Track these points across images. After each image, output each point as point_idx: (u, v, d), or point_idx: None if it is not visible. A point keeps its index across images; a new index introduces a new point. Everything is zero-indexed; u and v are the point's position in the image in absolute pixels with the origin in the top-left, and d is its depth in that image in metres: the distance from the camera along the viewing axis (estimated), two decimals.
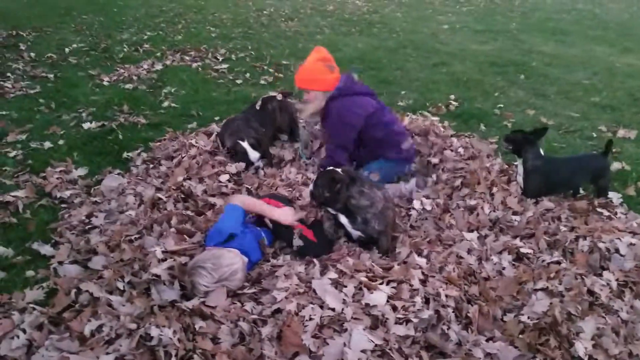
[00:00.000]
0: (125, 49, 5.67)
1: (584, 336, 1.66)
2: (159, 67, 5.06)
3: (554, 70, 5.40)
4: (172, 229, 2.18)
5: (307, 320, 1.63)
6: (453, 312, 1.75)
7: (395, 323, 1.66)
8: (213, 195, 2.55)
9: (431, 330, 1.68)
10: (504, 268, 2.04)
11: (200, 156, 2.86)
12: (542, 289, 1.88)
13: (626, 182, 2.89)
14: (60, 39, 5.96)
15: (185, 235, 2.15)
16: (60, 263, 2.07)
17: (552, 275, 1.94)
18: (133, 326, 1.64)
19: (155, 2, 8.52)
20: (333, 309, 1.67)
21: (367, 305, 1.70)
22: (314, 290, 1.75)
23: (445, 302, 1.76)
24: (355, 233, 2.14)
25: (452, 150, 2.96)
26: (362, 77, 4.98)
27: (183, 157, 2.87)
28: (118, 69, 4.97)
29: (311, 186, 2.16)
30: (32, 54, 5.22)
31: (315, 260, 1.96)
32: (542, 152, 2.52)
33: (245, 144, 2.89)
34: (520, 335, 1.69)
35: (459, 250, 2.12)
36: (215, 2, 9.06)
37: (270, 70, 5.19)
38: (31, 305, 1.80)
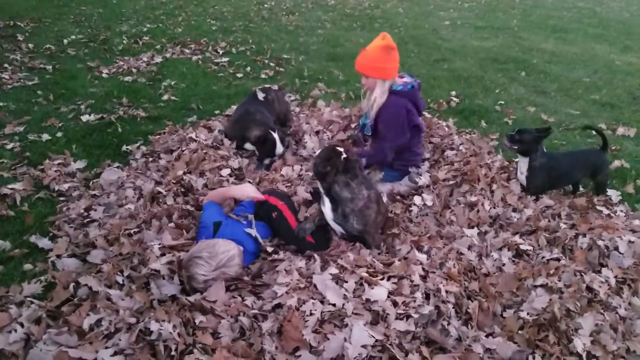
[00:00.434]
0: (124, 41, 5.62)
1: (582, 332, 1.67)
2: (158, 59, 5.03)
3: (554, 67, 5.39)
4: (172, 224, 2.16)
5: (307, 315, 1.63)
6: (453, 307, 1.75)
7: (396, 318, 1.66)
8: (213, 189, 2.54)
9: (431, 325, 1.68)
10: (504, 264, 2.05)
11: (202, 150, 2.85)
12: (541, 286, 1.88)
13: (625, 180, 2.89)
14: (58, 30, 5.90)
15: (184, 230, 2.15)
16: (59, 256, 2.06)
17: (551, 271, 1.94)
18: (132, 320, 1.64)
19: None
20: (334, 304, 1.67)
21: (367, 300, 1.70)
22: (315, 286, 1.75)
23: (446, 297, 1.76)
24: (337, 227, 2.13)
25: (452, 149, 2.95)
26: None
27: (183, 151, 2.86)
28: (117, 61, 4.93)
29: (316, 153, 2.18)
30: (30, 45, 5.17)
31: (315, 255, 1.95)
32: (544, 149, 2.52)
33: (275, 135, 2.90)
34: (520, 331, 1.70)
35: (460, 246, 2.12)
36: None
37: (271, 64, 5.16)
38: (29, 298, 1.80)
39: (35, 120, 3.45)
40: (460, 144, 3.00)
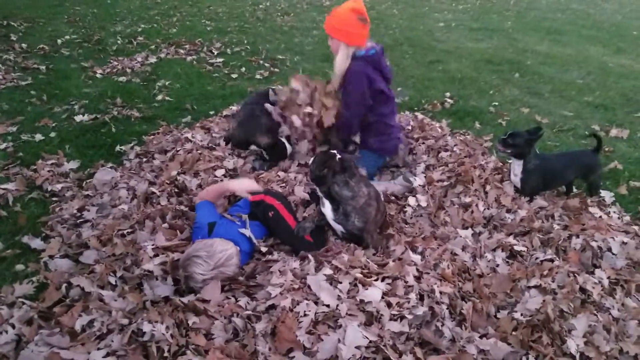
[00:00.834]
0: (119, 42, 5.60)
1: (576, 333, 1.68)
2: (153, 60, 5.01)
3: (548, 69, 5.43)
4: (165, 224, 2.15)
5: (301, 316, 1.62)
6: (447, 308, 1.75)
7: (390, 319, 1.65)
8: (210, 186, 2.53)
9: (425, 326, 1.68)
10: (497, 265, 2.05)
11: (197, 151, 2.83)
12: (535, 287, 1.89)
13: (618, 181, 2.91)
14: (52, 30, 5.86)
15: (177, 231, 2.14)
16: (51, 257, 2.05)
17: (545, 272, 1.95)
18: (125, 321, 1.62)
19: None
20: (328, 305, 1.66)
21: (361, 301, 1.70)
22: (309, 286, 1.74)
23: (440, 298, 1.76)
24: (338, 227, 2.14)
25: (446, 150, 2.96)
26: None
27: (178, 151, 2.84)
28: (111, 61, 4.90)
29: (310, 160, 2.18)
30: (24, 45, 5.13)
31: (310, 256, 1.95)
32: (537, 151, 2.53)
33: (284, 140, 2.87)
34: (513, 332, 1.70)
35: (454, 247, 2.12)
36: None
37: (266, 64, 5.16)
38: (20, 299, 1.78)
39: (29, 121, 3.42)
40: (455, 145, 3.01)
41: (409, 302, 1.71)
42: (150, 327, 1.57)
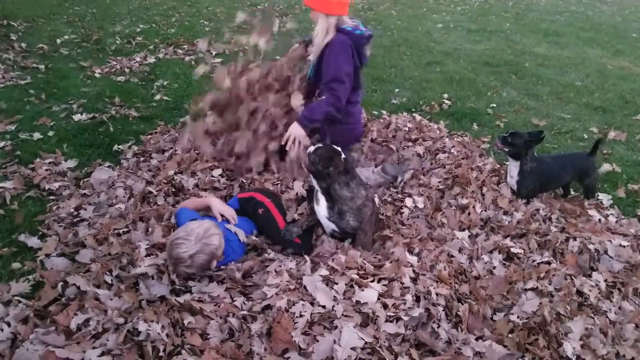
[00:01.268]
0: (117, 41, 5.59)
1: (572, 336, 1.67)
2: (151, 60, 5.00)
3: (546, 71, 5.44)
4: (162, 224, 2.15)
5: (297, 317, 1.62)
6: (443, 310, 1.75)
7: (386, 321, 1.65)
8: (205, 190, 2.53)
9: (421, 328, 1.68)
10: (494, 267, 2.05)
11: (194, 150, 2.83)
12: (532, 289, 1.89)
13: (616, 184, 2.92)
14: (52, 30, 5.86)
15: (172, 230, 2.13)
16: (48, 256, 2.04)
17: (542, 275, 1.95)
18: (120, 321, 1.62)
19: None
20: (324, 306, 1.66)
21: (357, 302, 1.69)
22: (305, 287, 1.74)
23: (436, 300, 1.76)
24: (330, 225, 2.13)
25: (444, 152, 2.96)
26: None
27: (175, 151, 2.84)
28: (110, 61, 4.90)
29: (311, 149, 2.08)
30: (23, 45, 5.13)
31: (306, 256, 1.95)
32: (535, 153, 2.53)
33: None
34: (510, 335, 1.69)
35: (450, 248, 2.12)
36: None
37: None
38: (16, 297, 1.77)
39: (27, 119, 3.42)
40: (452, 147, 3.01)
41: (405, 303, 1.71)
42: (145, 327, 1.56)
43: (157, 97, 4.05)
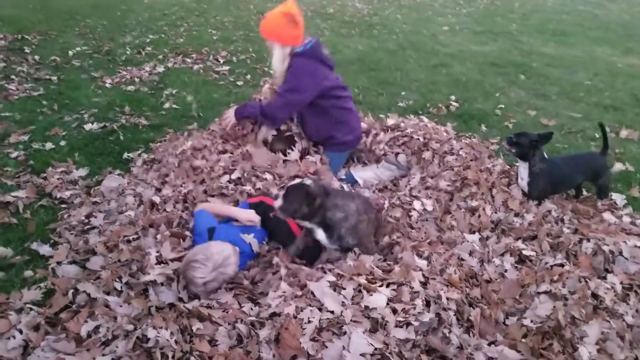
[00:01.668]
0: (127, 52, 5.68)
1: (588, 340, 1.63)
2: (160, 69, 5.07)
3: (554, 71, 5.38)
4: (168, 232, 2.16)
5: (305, 323, 1.60)
6: (454, 315, 1.72)
7: (396, 326, 1.62)
8: (213, 196, 2.54)
9: (432, 333, 1.65)
10: (506, 270, 2.01)
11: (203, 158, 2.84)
12: (545, 292, 1.85)
13: (630, 183, 2.86)
14: (64, 42, 5.98)
15: (180, 239, 2.14)
16: (59, 263, 2.07)
17: (555, 278, 1.90)
18: (130, 327, 1.63)
19: (158, 5, 8.55)
20: (332, 312, 1.64)
21: (366, 307, 1.67)
22: (313, 293, 1.73)
23: (447, 305, 1.73)
24: (331, 247, 2.10)
25: (452, 154, 2.93)
26: (361, 78, 4.99)
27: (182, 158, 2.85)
28: (120, 71, 4.98)
29: (280, 200, 1.96)
30: (37, 57, 5.24)
31: (313, 264, 1.94)
32: (545, 154, 2.49)
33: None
34: (523, 339, 1.66)
35: (461, 252, 2.09)
36: (217, 5, 9.08)
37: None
38: (28, 305, 1.80)
39: (40, 130, 3.48)
40: (460, 149, 2.97)
41: (415, 308, 1.68)
42: (154, 333, 1.57)
43: (167, 105, 4.09)
